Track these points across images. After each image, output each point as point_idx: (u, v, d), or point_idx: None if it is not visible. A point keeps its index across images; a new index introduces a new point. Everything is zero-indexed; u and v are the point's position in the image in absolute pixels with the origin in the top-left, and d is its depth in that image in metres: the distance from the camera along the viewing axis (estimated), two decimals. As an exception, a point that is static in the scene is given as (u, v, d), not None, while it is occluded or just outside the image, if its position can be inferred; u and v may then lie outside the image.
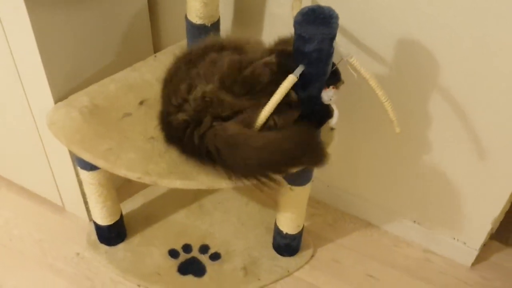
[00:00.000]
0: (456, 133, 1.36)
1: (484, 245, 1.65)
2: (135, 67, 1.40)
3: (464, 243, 1.58)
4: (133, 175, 1.18)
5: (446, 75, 1.28)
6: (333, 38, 1.04)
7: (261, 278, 1.53)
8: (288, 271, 1.56)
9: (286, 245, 1.55)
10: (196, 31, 1.34)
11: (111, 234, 1.55)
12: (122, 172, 1.18)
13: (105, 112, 1.28)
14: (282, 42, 1.20)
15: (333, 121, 1.20)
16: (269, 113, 1.06)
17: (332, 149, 1.29)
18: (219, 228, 1.63)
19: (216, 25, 1.34)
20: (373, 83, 1.08)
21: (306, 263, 1.59)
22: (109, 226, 1.52)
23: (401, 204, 1.61)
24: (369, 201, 1.67)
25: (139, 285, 1.51)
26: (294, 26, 1.04)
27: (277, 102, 1.04)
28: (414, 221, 1.63)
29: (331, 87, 1.15)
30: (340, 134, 1.53)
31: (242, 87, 1.09)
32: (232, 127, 1.09)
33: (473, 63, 1.23)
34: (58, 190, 1.62)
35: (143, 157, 1.20)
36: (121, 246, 1.58)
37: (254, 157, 1.08)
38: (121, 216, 1.55)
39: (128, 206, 1.68)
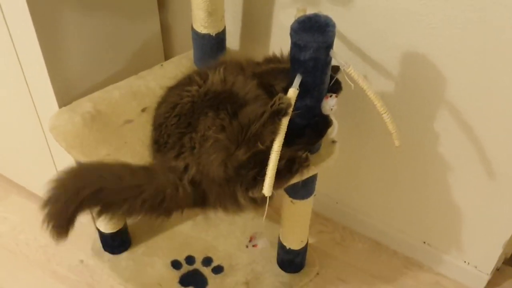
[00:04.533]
0: (464, 151, 1.32)
1: (498, 270, 1.59)
2: (140, 75, 1.40)
3: (475, 267, 1.52)
4: (128, 181, 1.17)
5: (452, 89, 1.25)
6: (329, 46, 1.02)
7: (263, 293, 1.51)
8: (291, 288, 1.53)
9: (290, 261, 1.52)
10: (201, 40, 1.34)
11: (115, 242, 1.55)
12: (118, 178, 1.18)
13: (107, 118, 1.29)
14: (267, 60, 1.22)
15: (333, 133, 1.18)
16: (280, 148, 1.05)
17: (335, 162, 1.26)
18: (224, 241, 1.62)
19: (221, 35, 1.34)
20: (370, 94, 1.05)
21: (310, 280, 1.56)
22: (112, 234, 1.52)
23: (410, 224, 1.57)
24: (378, 220, 1.63)
25: (139, 295, 1.50)
26: (290, 34, 1.03)
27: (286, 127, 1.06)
28: (424, 242, 1.58)
29: (333, 95, 1.13)
30: (349, 150, 1.51)
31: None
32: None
33: (480, 77, 1.19)
34: (66, 197, 1.63)
35: (140, 163, 1.19)
36: (124, 255, 1.58)
37: None
38: (125, 224, 1.55)
39: (135, 216, 1.68)
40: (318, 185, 1.39)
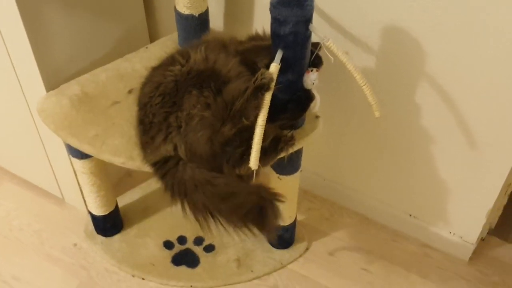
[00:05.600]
0: (446, 123, 1.35)
1: (483, 240, 1.62)
2: (126, 57, 1.42)
3: (461, 237, 1.55)
4: (117, 160, 1.20)
5: (433, 62, 1.27)
6: (308, 20, 1.05)
7: (254, 270, 1.53)
8: (281, 264, 1.56)
9: (279, 237, 1.55)
10: (184, 21, 1.36)
11: (107, 225, 1.57)
12: (107, 157, 1.20)
13: (94, 100, 1.31)
14: (250, 39, 1.24)
15: (316, 107, 1.20)
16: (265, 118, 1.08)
17: (320, 138, 1.29)
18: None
19: (204, 15, 1.36)
20: (350, 66, 1.08)
21: (300, 256, 1.59)
22: (104, 217, 1.54)
23: (396, 198, 1.60)
24: (365, 195, 1.66)
25: (133, 275, 1.53)
26: (270, 9, 1.05)
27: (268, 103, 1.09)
28: (410, 215, 1.61)
29: (314, 70, 1.15)
30: (333, 126, 1.53)
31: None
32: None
33: (461, 50, 1.21)
34: (57, 182, 1.65)
35: (128, 143, 1.22)
36: (117, 237, 1.60)
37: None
38: (117, 207, 1.57)
39: (126, 199, 1.70)
40: (305, 163, 1.42)
